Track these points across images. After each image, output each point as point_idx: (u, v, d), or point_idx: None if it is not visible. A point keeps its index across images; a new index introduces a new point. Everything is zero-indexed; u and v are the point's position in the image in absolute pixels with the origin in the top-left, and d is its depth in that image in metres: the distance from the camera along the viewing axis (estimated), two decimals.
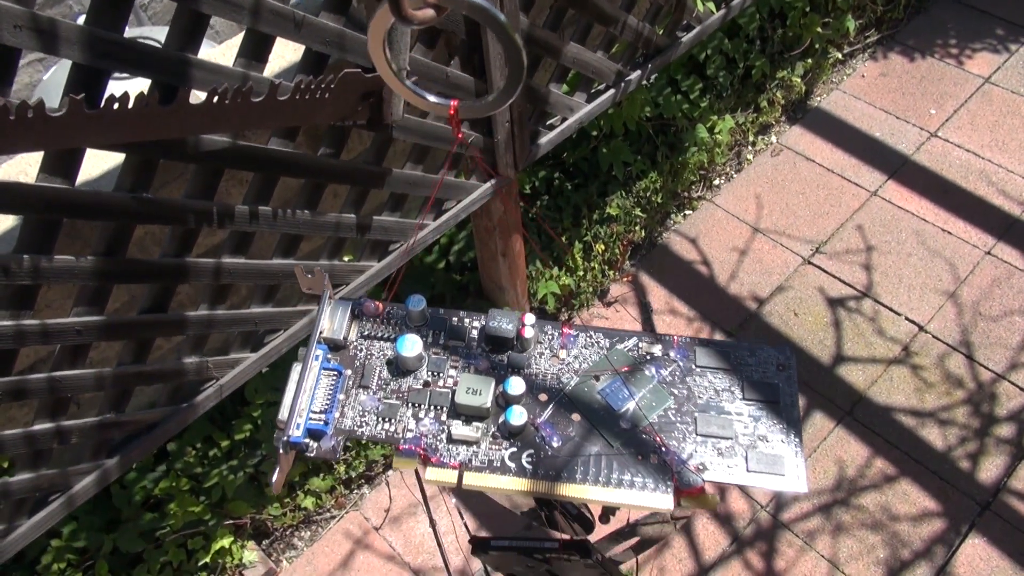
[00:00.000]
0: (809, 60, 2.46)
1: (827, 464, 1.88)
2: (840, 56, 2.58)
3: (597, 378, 0.54)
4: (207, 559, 1.73)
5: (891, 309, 2.12)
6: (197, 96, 0.97)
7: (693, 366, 0.56)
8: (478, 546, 0.60)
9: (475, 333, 0.57)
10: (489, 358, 0.57)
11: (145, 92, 0.91)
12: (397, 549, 1.81)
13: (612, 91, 1.65)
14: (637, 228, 2.15)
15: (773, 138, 2.47)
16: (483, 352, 0.57)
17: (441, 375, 0.55)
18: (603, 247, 2.08)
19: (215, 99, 0.96)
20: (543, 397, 0.54)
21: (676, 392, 0.55)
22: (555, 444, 0.51)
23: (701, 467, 0.51)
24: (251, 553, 1.81)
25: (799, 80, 2.43)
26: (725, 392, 0.55)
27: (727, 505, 1.84)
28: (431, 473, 0.51)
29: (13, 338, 0.99)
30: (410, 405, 0.54)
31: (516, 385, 0.53)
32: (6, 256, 0.93)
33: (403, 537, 1.82)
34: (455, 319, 0.59)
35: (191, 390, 1.30)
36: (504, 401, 0.52)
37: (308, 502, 1.84)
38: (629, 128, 2.06)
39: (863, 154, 2.44)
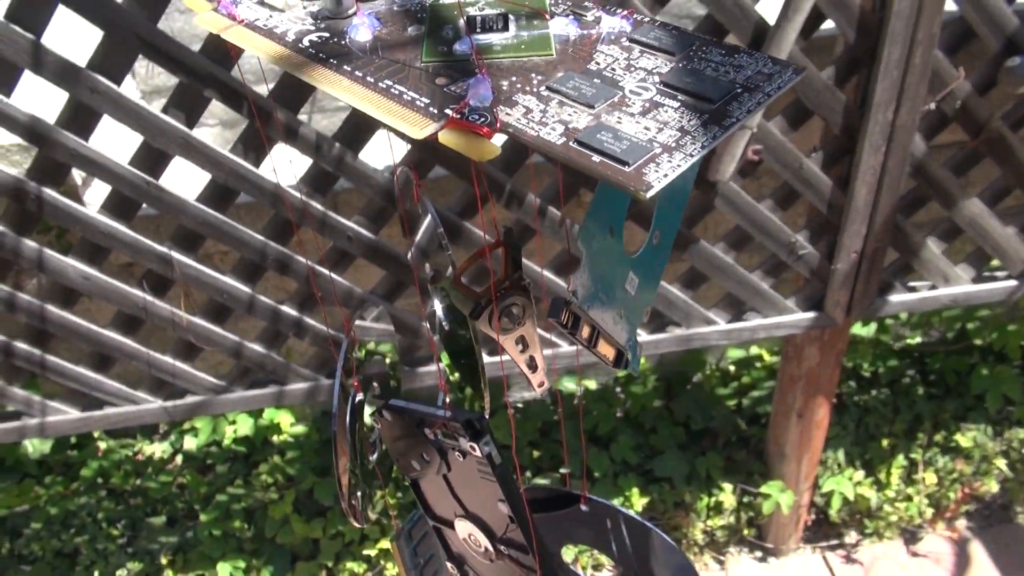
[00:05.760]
0: None
1: None
2: None
3: (484, 8, 0.39)
4: None
5: None
6: None
7: (624, 39, 0.37)
8: (379, 403, 0.47)
9: None
10: None
11: None
12: None
13: (1014, 283, 1.33)
14: (991, 481, 1.67)
15: None
16: None
17: None
18: (934, 479, 1.66)
19: None
20: None
21: (568, 50, 0.37)
22: (359, 40, 0.39)
23: (507, 112, 0.33)
24: None
25: None
26: (640, 71, 0.35)
27: None
28: (204, 17, 0.41)
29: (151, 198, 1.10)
30: None
31: None
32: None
33: None
34: None
35: (286, 372, 1.28)
36: None
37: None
38: None
39: None
